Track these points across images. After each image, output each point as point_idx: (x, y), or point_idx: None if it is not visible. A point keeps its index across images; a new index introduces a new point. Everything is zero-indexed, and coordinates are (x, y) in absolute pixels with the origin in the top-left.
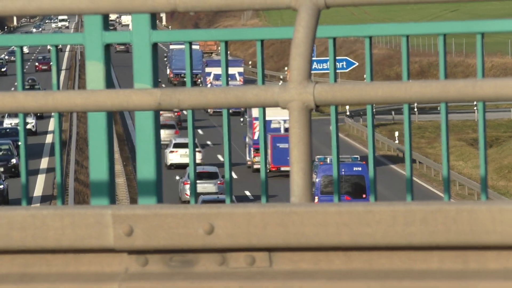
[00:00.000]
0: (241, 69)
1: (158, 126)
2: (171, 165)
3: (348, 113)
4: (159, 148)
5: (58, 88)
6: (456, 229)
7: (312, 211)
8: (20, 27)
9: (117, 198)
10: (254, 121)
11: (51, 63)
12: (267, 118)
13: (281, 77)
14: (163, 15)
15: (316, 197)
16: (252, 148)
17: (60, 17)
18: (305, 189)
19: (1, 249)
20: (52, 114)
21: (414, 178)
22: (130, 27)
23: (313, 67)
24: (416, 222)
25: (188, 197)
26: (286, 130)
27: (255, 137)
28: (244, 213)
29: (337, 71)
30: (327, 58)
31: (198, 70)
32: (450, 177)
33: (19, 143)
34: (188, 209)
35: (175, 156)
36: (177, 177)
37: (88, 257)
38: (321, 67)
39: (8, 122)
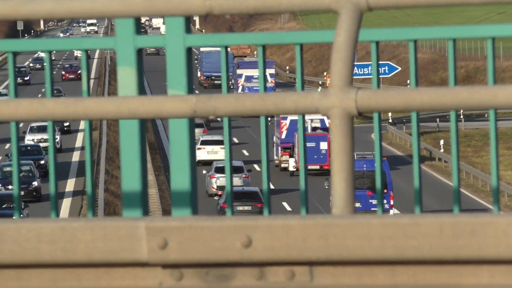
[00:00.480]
0: (272, 71)
1: (193, 134)
2: (199, 161)
3: (390, 121)
4: (194, 157)
5: (89, 95)
6: (506, 242)
7: (354, 223)
8: (47, 31)
9: (149, 209)
10: (282, 121)
11: (78, 72)
12: (292, 118)
13: (320, 82)
14: (196, 18)
15: None
16: (279, 147)
17: (88, 21)
18: (347, 200)
19: (30, 262)
20: (79, 127)
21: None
22: (161, 30)
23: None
24: (465, 234)
25: (214, 190)
26: (313, 129)
27: (283, 136)
28: (283, 225)
29: (379, 76)
30: (368, 63)
31: (229, 73)
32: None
33: (41, 161)
34: (224, 221)
35: (202, 153)
36: (204, 172)
37: (121, 271)
38: (362, 72)
39: (30, 138)
